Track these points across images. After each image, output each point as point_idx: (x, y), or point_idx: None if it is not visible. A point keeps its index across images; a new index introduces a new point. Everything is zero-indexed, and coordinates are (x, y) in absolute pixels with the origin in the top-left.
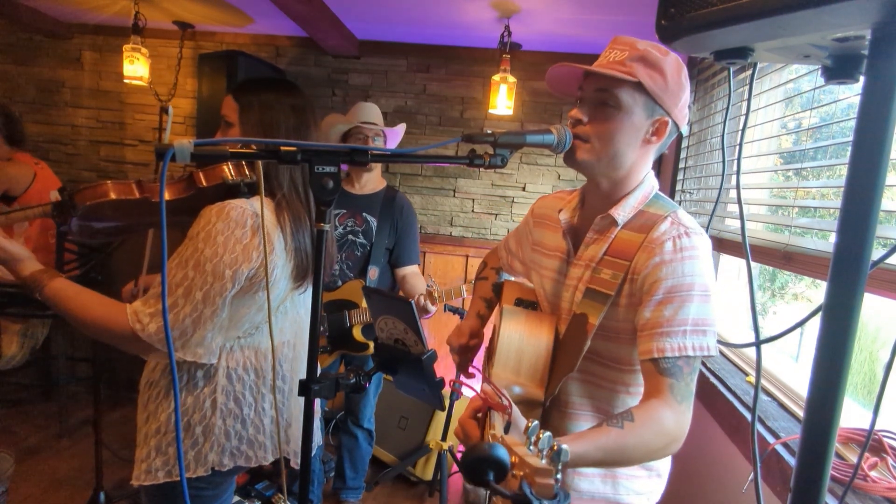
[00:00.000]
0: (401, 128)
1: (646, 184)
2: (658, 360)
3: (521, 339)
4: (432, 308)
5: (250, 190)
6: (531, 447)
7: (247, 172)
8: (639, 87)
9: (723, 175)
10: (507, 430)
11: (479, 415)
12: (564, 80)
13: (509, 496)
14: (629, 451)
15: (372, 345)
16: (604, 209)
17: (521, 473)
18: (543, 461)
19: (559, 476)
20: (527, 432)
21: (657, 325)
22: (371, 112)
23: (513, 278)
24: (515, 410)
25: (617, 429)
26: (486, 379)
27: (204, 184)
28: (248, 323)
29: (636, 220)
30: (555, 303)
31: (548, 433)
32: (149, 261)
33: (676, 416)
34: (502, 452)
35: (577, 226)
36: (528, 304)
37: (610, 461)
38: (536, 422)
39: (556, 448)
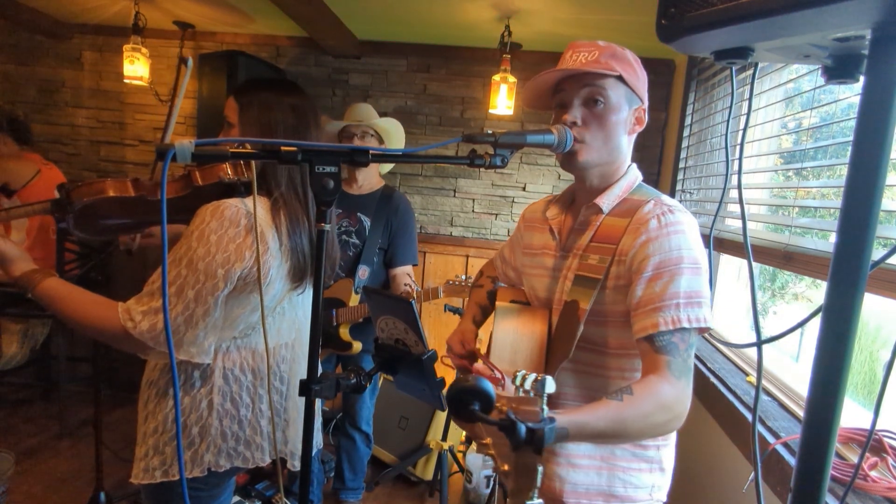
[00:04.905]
0: (389, 122)
1: (630, 174)
2: (653, 337)
3: (515, 334)
4: None
5: (247, 189)
6: (520, 392)
7: (244, 171)
8: (619, 80)
9: (727, 174)
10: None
11: None
12: (541, 95)
13: (495, 422)
14: (629, 423)
15: (356, 344)
16: (590, 201)
17: (507, 406)
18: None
19: (545, 407)
20: (513, 381)
21: (649, 301)
22: (360, 111)
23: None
24: (508, 381)
25: (616, 401)
26: (484, 358)
27: (200, 182)
28: (243, 323)
29: (620, 206)
30: (546, 297)
31: (532, 374)
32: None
33: (676, 392)
34: (487, 385)
35: (564, 220)
36: (521, 304)
37: (611, 433)
38: (523, 371)
39: (539, 378)
